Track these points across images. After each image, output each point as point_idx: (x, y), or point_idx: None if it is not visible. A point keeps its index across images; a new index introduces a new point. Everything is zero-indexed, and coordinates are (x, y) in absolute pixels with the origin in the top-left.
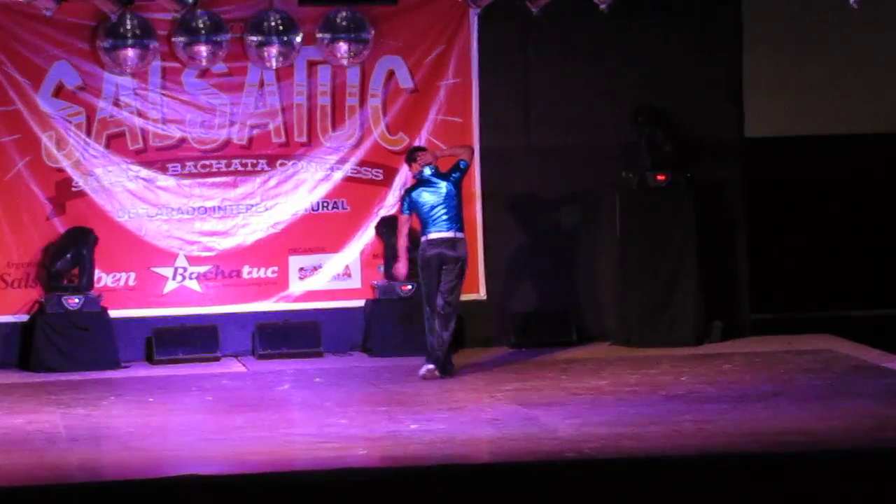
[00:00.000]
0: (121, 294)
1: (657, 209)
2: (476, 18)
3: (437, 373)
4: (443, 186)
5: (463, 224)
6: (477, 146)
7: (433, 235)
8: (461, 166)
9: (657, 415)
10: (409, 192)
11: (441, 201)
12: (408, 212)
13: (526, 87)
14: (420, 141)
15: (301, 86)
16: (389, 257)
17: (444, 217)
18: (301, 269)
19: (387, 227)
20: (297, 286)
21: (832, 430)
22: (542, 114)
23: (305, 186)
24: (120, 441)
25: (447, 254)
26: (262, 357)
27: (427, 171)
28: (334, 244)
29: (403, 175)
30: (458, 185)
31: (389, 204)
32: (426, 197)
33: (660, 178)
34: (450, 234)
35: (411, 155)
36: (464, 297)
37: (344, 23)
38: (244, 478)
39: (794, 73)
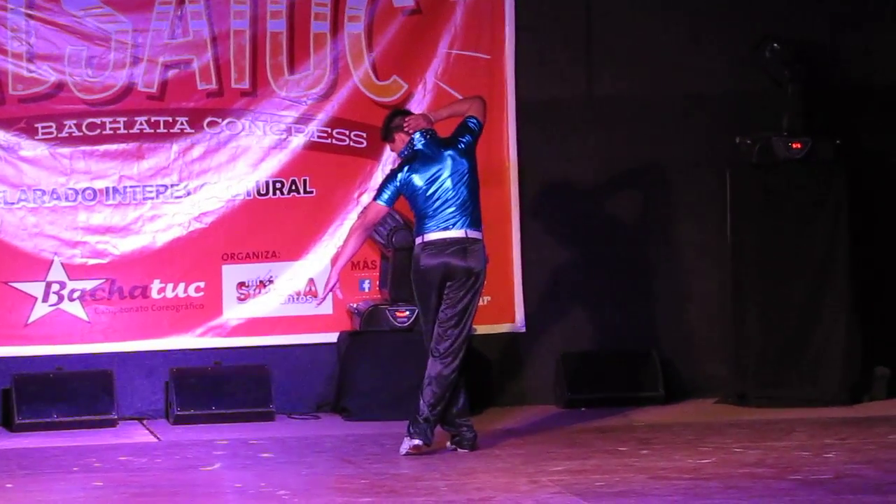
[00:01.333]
0: None
1: (790, 195)
2: None
3: (423, 448)
4: (447, 160)
5: (480, 218)
6: (512, 95)
7: (434, 236)
8: (470, 125)
9: None
10: (396, 172)
11: (445, 184)
12: (389, 201)
13: (587, 4)
14: (426, 88)
15: (243, 3)
16: (386, 268)
17: (451, 207)
18: (241, 284)
19: (390, 219)
20: (234, 311)
21: None
22: (610, 48)
23: (247, 158)
24: None
25: (455, 264)
26: (180, 420)
27: (419, 142)
28: (292, 248)
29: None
30: (470, 156)
31: (377, 184)
32: (421, 179)
33: (795, 146)
34: (460, 234)
35: (390, 124)
36: (490, 330)
37: None
38: None
39: None
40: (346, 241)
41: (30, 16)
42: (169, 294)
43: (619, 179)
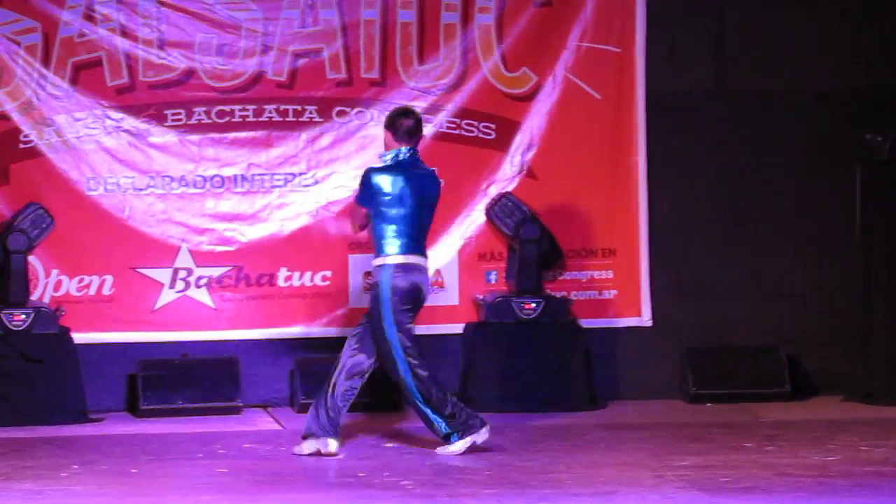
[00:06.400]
0: (91, 309)
1: None
2: None
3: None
4: (423, 180)
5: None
6: (642, 89)
7: (407, 259)
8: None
9: None
10: (371, 173)
11: (411, 203)
12: (370, 204)
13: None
14: (555, 80)
15: None
16: (513, 260)
17: (420, 235)
18: (367, 274)
19: (503, 212)
20: (360, 301)
21: None
22: (741, 42)
23: (376, 148)
24: None
25: (424, 293)
26: (305, 408)
27: (406, 154)
28: None
29: (528, 132)
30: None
31: (506, 176)
32: (392, 188)
33: None
34: (423, 261)
35: (397, 121)
36: (616, 324)
37: None
38: None
39: None
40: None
41: (161, 3)
42: (296, 282)
43: (748, 174)
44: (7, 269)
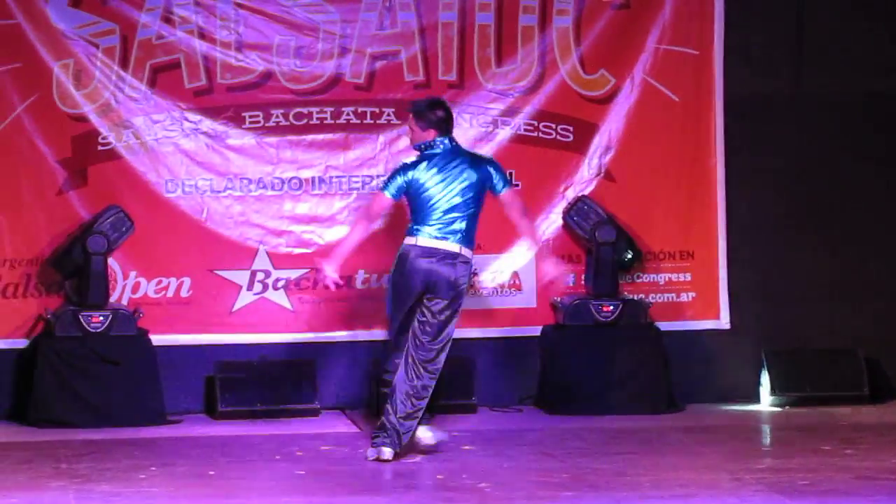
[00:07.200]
0: (168, 311)
1: None
2: None
3: (388, 456)
4: (467, 174)
5: (474, 240)
6: (720, 91)
7: (426, 242)
8: (500, 176)
9: None
10: (407, 166)
11: (456, 194)
12: (396, 194)
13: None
14: (633, 83)
15: None
16: (590, 263)
17: (454, 219)
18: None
19: (579, 215)
20: None
21: None
22: (819, 45)
23: None
24: None
25: (441, 274)
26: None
27: (440, 144)
28: (496, 240)
29: (606, 135)
30: (485, 187)
31: (584, 178)
32: (430, 180)
33: None
34: (454, 248)
35: (429, 112)
36: (694, 326)
37: None
38: None
39: None
40: (349, 231)
41: (239, 5)
42: (373, 285)
43: (825, 177)
44: (87, 271)
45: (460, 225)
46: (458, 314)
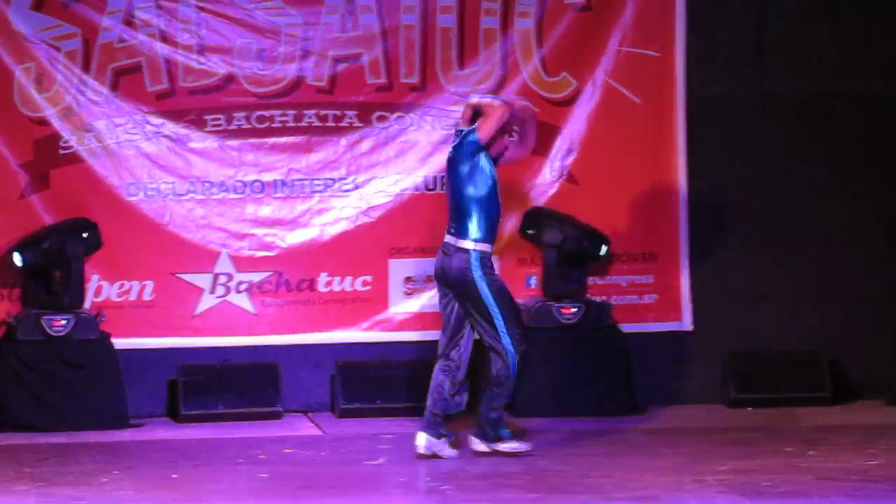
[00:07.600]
0: (131, 314)
1: None
2: None
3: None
4: (451, 163)
5: (473, 229)
6: (682, 93)
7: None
8: (470, 139)
9: None
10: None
11: (450, 188)
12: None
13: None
14: (595, 85)
15: None
16: (548, 261)
17: (452, 211)
18: (408, 279)
19: (541, 217)
20: (400, 306)
21: None
22: (781, 45)
23: (416, 153)
24: None
25: (442, 268)
26: (345, 414)
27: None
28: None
29: (568, 137)
30: (466, 163)
31: (546, 181)
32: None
33: None
34: (450, 239)
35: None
36: (656, 328)
37: None
38: None
39: None
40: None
41: (200, 8)
42: (336, 287)
43: (788, 178)
44: (67, 272)
45: (455, 215)
46: (481, 301)
